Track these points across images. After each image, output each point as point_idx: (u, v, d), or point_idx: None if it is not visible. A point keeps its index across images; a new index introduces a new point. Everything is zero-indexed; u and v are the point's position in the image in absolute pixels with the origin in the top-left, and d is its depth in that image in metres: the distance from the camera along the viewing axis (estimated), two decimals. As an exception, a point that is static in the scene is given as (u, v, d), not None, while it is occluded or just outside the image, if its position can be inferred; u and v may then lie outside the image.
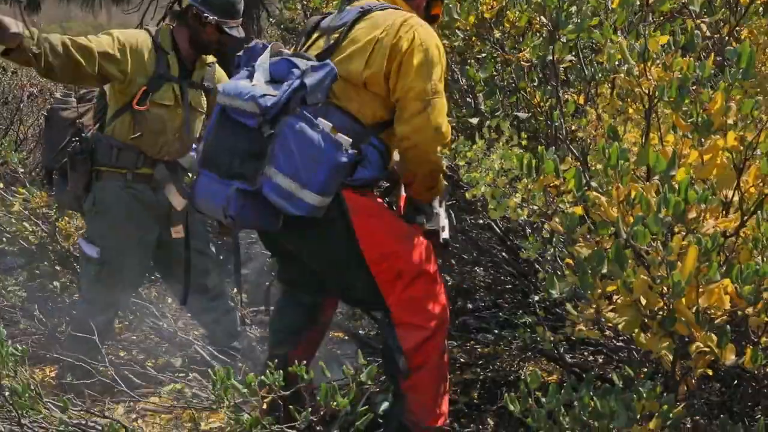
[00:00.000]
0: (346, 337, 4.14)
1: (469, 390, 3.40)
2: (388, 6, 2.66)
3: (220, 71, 3.89)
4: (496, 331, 3.81)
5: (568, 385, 1.84)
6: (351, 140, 2.42)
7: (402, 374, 2.58)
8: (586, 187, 1.98)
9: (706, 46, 2.78)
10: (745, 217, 1.87)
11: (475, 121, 3.29)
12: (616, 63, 2.19)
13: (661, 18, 2.65)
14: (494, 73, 3.33)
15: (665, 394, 1.90)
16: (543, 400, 1.85)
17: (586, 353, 3.50)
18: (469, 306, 4.33)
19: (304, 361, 2.47)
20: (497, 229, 3.48)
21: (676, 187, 1.76)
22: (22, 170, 4.53)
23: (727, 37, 2.84)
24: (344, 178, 2.46)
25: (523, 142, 2.72)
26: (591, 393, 1.81)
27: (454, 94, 3.55)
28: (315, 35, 2.72)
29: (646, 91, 2.11)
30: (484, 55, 3.35)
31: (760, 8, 2.76)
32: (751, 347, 1.78)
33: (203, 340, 4.07)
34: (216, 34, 3.65)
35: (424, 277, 2.61)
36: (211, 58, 3.84)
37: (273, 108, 2.33)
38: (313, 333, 3.00)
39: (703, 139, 1.89)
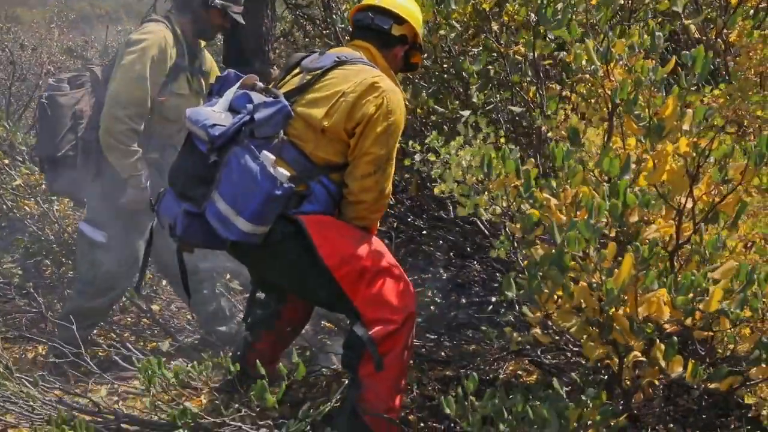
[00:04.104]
0: (336, 328, 4.12)
1: (448, 387, 3.36)
2: (363, 61, 2.76)
3: (208, 55, 3.92)
4: (483, 328, 3.76)
5: (502, 391, 1.81)
6: (292, 174, 2.53)
7: (374, 363, 2.60)
8: (537, 189, 1.94)
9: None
10: (697, 226, 1.82)
11: (466, 113, 3.26)
12: (583, 63, 2.15)
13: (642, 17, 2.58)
14: (488, 66, 3.29)
15: (609, 402, 1.87)
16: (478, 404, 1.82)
17: (568, 354, 3.44)
18: (463, 301, 4.29)
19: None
20: (481, 226, 3.43)
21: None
22: (24, 148, 4.56)
23: (715, 39, 2.78)
24: (284, 210, 2.54)
25: (501, 140, 2.68)
26: (523, 400, 1.78)
27: (443, 86, 3.51)
28: (295, 71, 2.82)
29: (609, 93, 2.06)
30: (479, 49, 3.30)
31: (751, 11, 2.69)
32: (692, 361, 1.74)
33: (194, 325, 4.08)
34: (220, 18, 3.69)
35: (386, 273, 2.65)
36: (203, 43, 3.87)
37: (220, 138, 2.47)
38: (283, 323, 3.09)
39: (655, 144, 1.84)
